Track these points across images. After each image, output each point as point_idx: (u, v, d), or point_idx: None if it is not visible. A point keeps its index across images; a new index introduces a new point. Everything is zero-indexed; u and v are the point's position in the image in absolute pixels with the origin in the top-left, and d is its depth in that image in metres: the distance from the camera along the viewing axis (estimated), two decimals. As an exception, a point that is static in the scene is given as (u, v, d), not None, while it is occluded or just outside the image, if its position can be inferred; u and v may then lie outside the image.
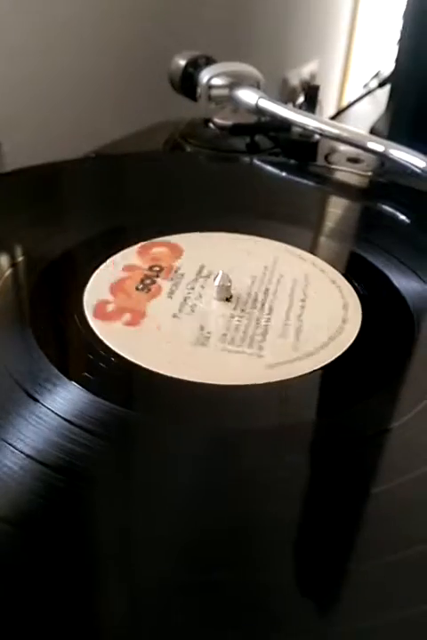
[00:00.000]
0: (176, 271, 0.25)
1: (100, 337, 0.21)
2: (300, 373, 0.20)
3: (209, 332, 0.21)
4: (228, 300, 0.23)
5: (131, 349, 0.20)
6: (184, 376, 0.19)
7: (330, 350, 0.21)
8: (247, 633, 0.12)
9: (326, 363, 0.20)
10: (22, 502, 0.15)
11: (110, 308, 0.22)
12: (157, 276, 0.24)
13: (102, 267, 0.25)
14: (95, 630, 0.13)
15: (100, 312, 0.22)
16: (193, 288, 0.24)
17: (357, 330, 0.22)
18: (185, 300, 0.23)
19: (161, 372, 0.19)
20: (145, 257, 0.26)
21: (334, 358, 0.20)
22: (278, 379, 0.19)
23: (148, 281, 0.24)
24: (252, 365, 0.20)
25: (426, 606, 0.13)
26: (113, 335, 0.21)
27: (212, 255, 0.26)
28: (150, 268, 0.25)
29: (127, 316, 0.22)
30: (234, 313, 0.22)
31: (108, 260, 0.25)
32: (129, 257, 0.26)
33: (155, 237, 0.27)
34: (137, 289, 0.23)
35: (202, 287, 0.24)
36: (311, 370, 0.20)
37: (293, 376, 0.20)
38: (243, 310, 0.23)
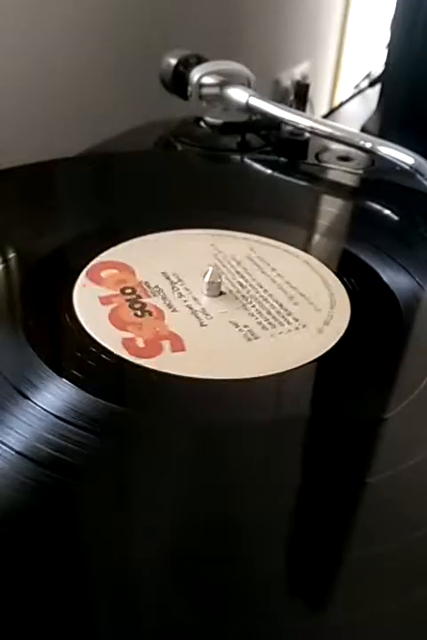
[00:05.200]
0: (148, 286, 0.23)
1: (169, 372, 0.19)
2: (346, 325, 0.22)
3: (246, 325, 0.21)
4: (221, 294, 0.23)
5: (197, 370, 0.19)
6: (265, 372, 0.19)
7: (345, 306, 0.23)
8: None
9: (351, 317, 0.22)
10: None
11: (140, 342, 0.20)
12: (140, 297, 0.23)
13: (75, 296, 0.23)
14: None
15: (135, 350, 0.20)
16: (182, 295, 0.23)
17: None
18: (191, 308, 0.22)
19: (244, 377, 0.19)
20: (107, 282, 0.24)
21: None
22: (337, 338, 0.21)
23: (137, 305, 0.22)
24: (308, 337, 0.21)
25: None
26: (172, 365, 0.20)
27: (161, 259, 0.25)
28: (123, 292, 0.23)
29: (167, 344, 0.20)
30: (243, 302, 0.23)
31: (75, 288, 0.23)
32: (85, 286, 0.23)
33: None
34: (137, 316, 0.22)
35: (187, 290, 0.23)
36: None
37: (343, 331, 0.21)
38: (245, 297, 0.23)
